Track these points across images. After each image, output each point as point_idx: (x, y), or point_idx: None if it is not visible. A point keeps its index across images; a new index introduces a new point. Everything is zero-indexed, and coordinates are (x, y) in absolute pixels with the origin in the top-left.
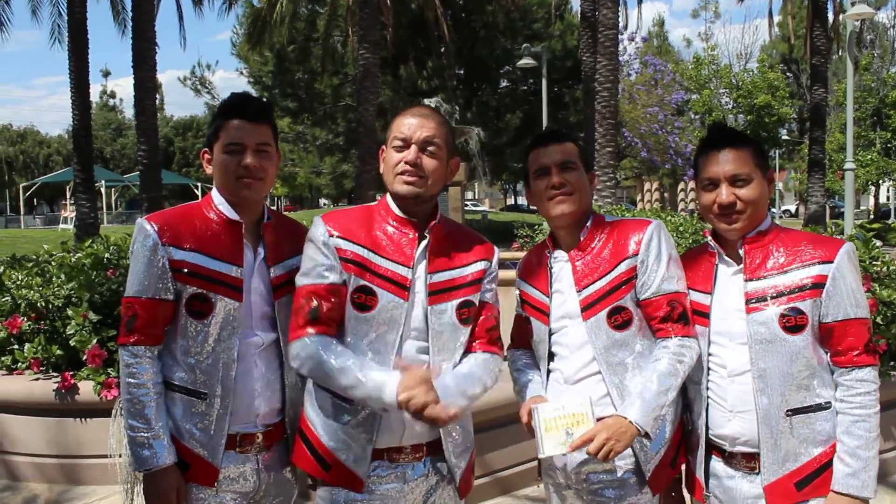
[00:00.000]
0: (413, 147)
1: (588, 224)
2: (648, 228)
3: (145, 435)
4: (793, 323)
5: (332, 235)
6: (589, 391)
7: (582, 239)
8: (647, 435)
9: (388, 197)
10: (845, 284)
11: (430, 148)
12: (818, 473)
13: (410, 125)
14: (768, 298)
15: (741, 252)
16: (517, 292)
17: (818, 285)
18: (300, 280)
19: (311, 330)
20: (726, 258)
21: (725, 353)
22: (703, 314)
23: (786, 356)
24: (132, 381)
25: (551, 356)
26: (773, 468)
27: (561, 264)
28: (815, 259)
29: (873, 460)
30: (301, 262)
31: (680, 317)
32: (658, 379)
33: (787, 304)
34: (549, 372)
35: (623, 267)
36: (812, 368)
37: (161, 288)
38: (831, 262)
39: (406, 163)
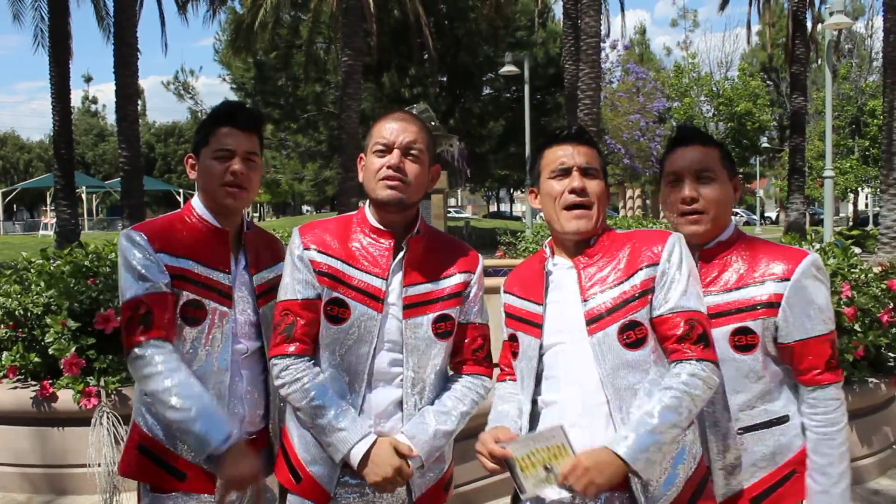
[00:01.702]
0: (396, 151)
1: (599, 232)
2: (670, 239)
3: (191, 416)
4: (743, 342)
5: (307, 248)
6: (594, 429)
7: (592, 245)
8: (637, 474)
9: (367, 207)
10: (802, 303)
11: (412, 152)
12: (774, 488)
13: (392, 130)
14: (720, 315)
15: (698, 265)
16: (502, 308)
17: (772, 304)
18: (279, 295)
19: (290, 348)
20: None
21: None
22: None
23: (736, 375)
24: (157, 369)
25: (539, 380)
26: (726, 485)
27: (562, 272)
28: (772, 276)
29: (843, 475)
30: (282, 271)
31: (699, 338)
32: (660, 413)
33: (739, 323)
34: (535, 402)
35: (641, 276)
36: (764, 386)
37: (163, 281)
38: (788, 279)
39: (389, 167)
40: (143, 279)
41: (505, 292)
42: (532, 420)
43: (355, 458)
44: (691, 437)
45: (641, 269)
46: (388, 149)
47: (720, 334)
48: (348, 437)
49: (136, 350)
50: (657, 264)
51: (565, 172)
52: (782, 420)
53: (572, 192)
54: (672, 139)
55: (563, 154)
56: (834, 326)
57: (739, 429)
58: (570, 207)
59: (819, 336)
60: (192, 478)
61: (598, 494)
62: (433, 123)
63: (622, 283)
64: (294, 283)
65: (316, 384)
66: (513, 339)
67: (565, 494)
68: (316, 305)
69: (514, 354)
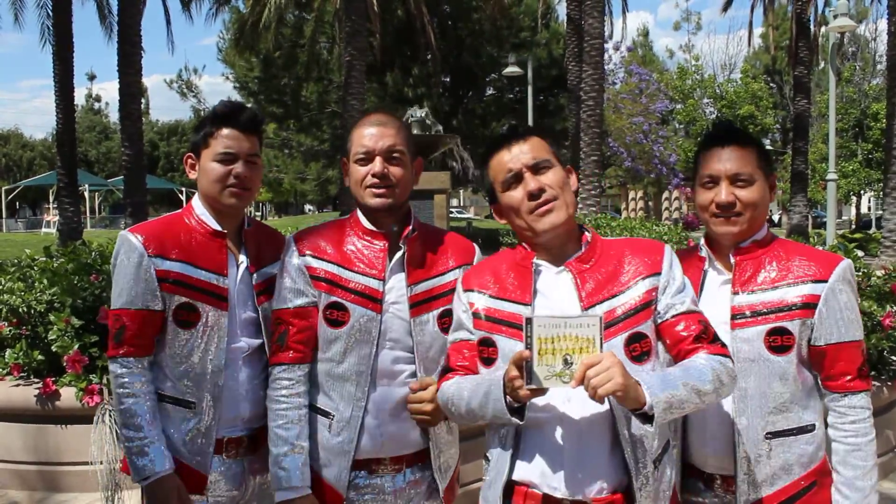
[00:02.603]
0: (378, 159)
1: (588, 234)
2: (667, 249)
3: (140, 444)
4: (779, 343)
5: (302, 255)
6: (598, 454)
7: (584, 249)
8: (648, 419)
9: (359, 210)
10: (839, 305)
11: (394, 156)
12: (800, 495)
13: (371, 136)
14: (755, 315)
15: (732, 261)
16: (463, 307)
17: (809, 305)
18: (273, 304)
19: (285, 357)
20: (717, 265)
21: None
22: None
23: (768, 377)
24: (123, 391)
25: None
26: (748, 492)
27: (550, 276)
28: (809, 277)
29: (872, 490)
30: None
31: (715, 337)
32: (685, 369)
33: (775, 323)
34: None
35: (644, 286)
36: (795, 390)
37: (149, 298)
38: (825, 281)
39: (373, 175)
40: (127, 293)
41: (468, 290)
42: (514, 440)
43: (279, 498)
44: (669, 474)
45: (644, 278)
46: (369, 157)
47: (755, 334)
48: (283, 478)
49: (111, 363)
50: (659, 274)
51: (516, 178)
52: (809, 429)
53: (531, 196)
54: (708, 136)
55: (507, 159)
56: (863, 335)
57: (768, 433)
58: (534, 210)
59: (853, 341)
60: (184, 477)
61: (604, 397)
62: (437, 128)
63: (624, 292)
64: (285, 292)
65: (290, 414)
66: (486, 342)
67: (569, 395)
68: (308, 312)
69: (487, 361)
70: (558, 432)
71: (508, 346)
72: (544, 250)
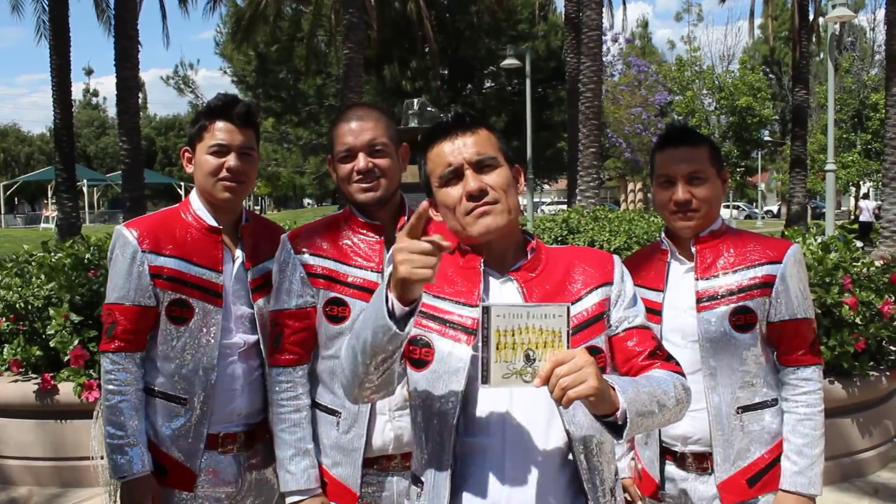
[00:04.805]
0: (360, 155)
1: (533, 242)
2: (616, 260)
3: (121, 442)
4: (742, 321)
5: (298, 253)
6: (547, 488)
7: (530, 256)
8: (617, 429)
9: (351, 205)
10: (793, 285)
11: (377, 148)
12: (768, 469)
13: (351, 131)
14: (719, 297)
15: (693, 251)
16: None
17: (767, 285)
18: (269, 305)
19: (281, 358)
20: (679, 256)
21: (678, 351)
22: (655, 312)
23: (735, 354)
24: (111, 387)
25: (466, 406)
26: (725, 466)
27: (495, 286)
28: (764, 259)
29: (819, 458)
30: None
31: (669, 356)
32: (650, 380)
33: (737, 303)
34: (456, 445)
35: (597, 295)
36: (759, 366)
37: (142, 294)
38: (780, 262)
39: (358, 172)
40: (120, 288)
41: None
42: (452, 464)
43: (289, 501)
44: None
45: (594, 288)
46: (351, 153)
47: (720, 314)
48: (291, 481)
49: (102, 357)
50: (610, 283)
51: (455, 174)
52: (772, 403)
53: (470, 197)
54: (662, 138)
55: (448, 151)
56: (814, 314)
57: (738, 408)
58: (471, 210)
59: (806, 318)
60: (174, 474)
61: (570, 402)
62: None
63: (579, 300)
64: (281, 293)
65: (292, 417)
66: (420, 342)
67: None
68: (305, 313)
69: (419, 363)
70: (504, 456)
71: (448, 350)
72: (488, 250)
